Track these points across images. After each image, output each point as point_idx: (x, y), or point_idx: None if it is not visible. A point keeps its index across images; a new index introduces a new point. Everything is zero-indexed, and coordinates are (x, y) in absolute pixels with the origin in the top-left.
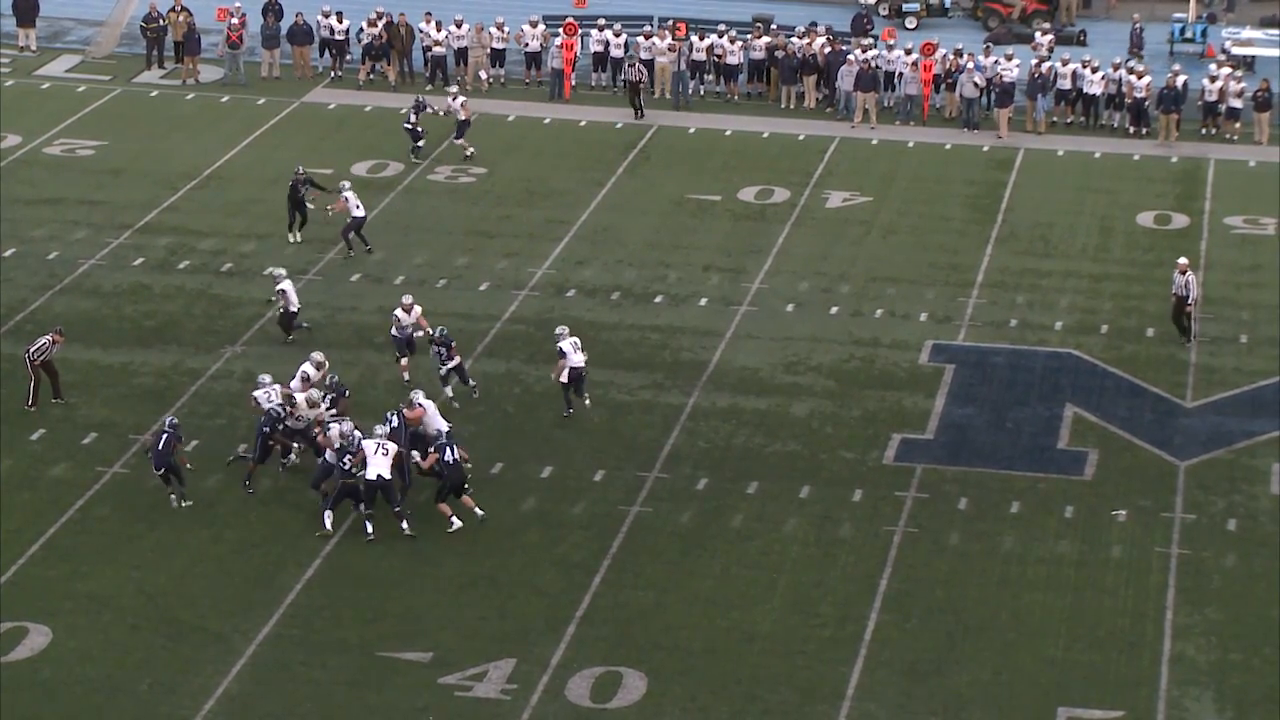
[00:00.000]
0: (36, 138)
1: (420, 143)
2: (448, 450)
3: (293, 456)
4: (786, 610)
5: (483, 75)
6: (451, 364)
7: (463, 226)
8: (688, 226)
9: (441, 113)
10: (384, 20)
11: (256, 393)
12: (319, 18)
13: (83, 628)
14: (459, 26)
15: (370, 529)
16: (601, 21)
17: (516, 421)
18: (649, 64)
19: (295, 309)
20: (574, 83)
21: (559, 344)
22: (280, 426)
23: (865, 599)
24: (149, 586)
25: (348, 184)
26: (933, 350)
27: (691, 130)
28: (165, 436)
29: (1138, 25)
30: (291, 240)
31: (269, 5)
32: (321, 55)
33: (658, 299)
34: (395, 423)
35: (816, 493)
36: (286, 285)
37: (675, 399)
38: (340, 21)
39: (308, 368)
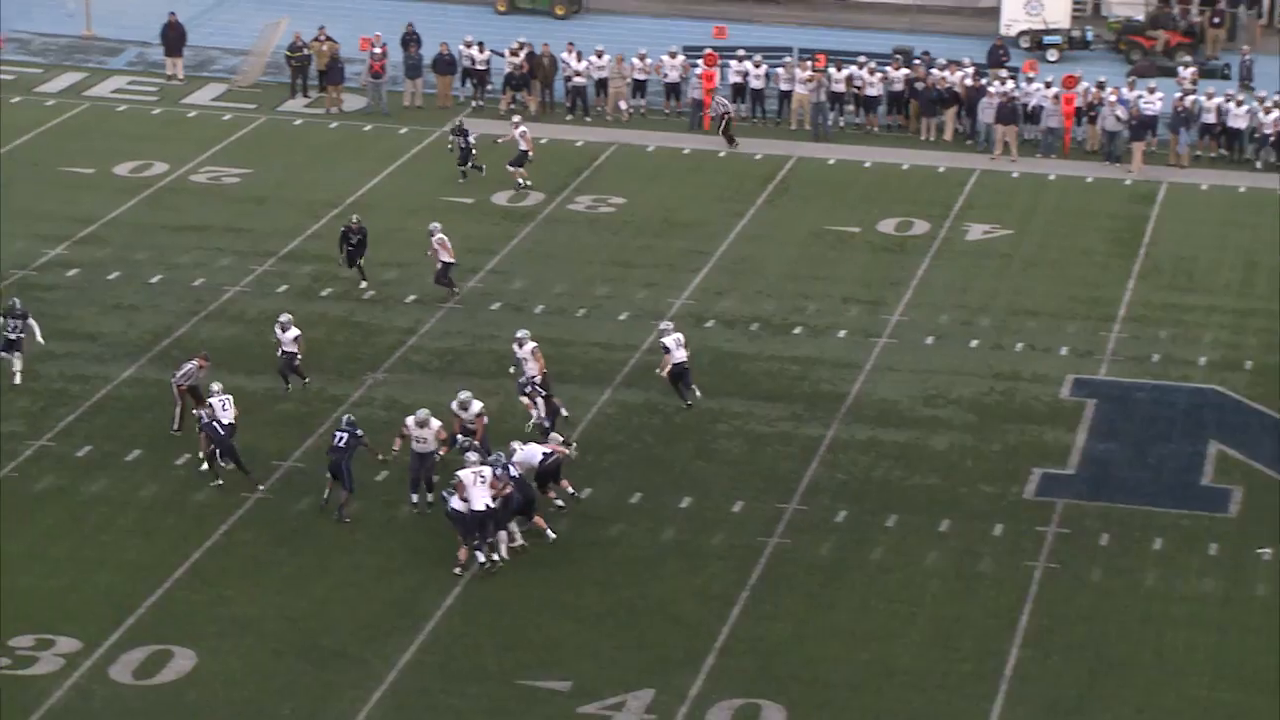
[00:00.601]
0: (183, 165)
1: (468, 165)
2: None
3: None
4: (926, 644)
5: (623, 105)
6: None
7: (602, 256)
8: (827, 258)
9: (497, 139)
10: (525, 50)
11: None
12: (461, 47)
13: (226, 651)
14: (599, 57)
15: (485, 557)
16: (741, 52)
17: (655, 452)
18: (786, 94)
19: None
20: (713, 113)
21: (663, 340)
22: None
23: (1006, 634)
24: (291, 611)
25: (438, 226)
26: (1074, 385)
27: (831, 162)
28: (345, 436)
29: (1247, 58)
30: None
31: (409, 35)
32: (463, 84)
33: (797, 330)
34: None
35: (956, 526)
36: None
37: (814, 430)
38: (481, 51)
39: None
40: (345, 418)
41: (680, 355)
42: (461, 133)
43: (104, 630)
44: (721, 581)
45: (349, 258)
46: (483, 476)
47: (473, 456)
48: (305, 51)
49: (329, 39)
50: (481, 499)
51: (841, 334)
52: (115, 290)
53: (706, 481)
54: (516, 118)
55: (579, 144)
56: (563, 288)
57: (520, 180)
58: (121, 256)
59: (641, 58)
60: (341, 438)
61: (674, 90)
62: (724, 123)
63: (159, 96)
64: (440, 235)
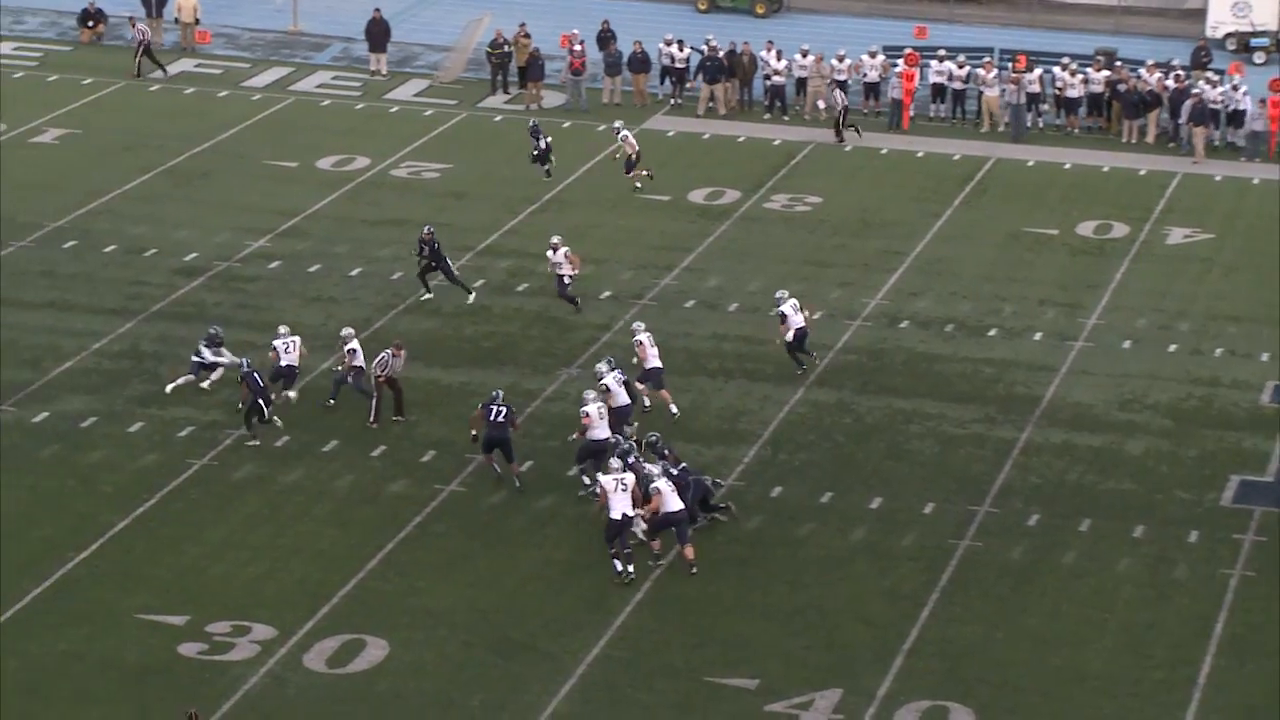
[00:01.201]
0: (385, 160)
1: (547, 166)
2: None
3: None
4: (1118, 650)
5: (821, 105)
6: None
7: (798, 255)
8: (1024, 260)
9: (614, 156)
10: (727, 48)
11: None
12: (660, 45)
13: (418, 642)
14: (804, 56)
15: (622, 568)
16: (942, 52)
17: (847, 451)
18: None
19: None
20: (913, 113)
21: (780, 308)
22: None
23: (1200, 642)
24: (482, 603)
25: (557, 238)
26: (1274, 391)
27: (1030, 163)
28: (505, 410)
29: None
30: (424, 296)
31: (604, 33)
32: (662, 82)
33: (992, 332)
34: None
35: (1151, 532)
36: (355, 345)
37: (1008, 433)
38: (681, 50)
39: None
40: (496, 393)
41: (799, 320)
42: (536, 134)
43: (299, 618)
44: (911, 583)
45: (421, 270)
46: (624, 484)
47: (615, 462)
48: (506, 48)
49: (529, 36)
50: (620, 507)
51: (1037, 336)
52: (315, 282)
53: (898, 482)
54: (618, 123)
55: (776, 142)
56: (757, 286)
57: (638, 183)
58: (322, 249)
59: (841, 58)
60: (501, 412)
61: (873, 90)
62: (841, 115)
63: (362, 92)
64: (564, 249)
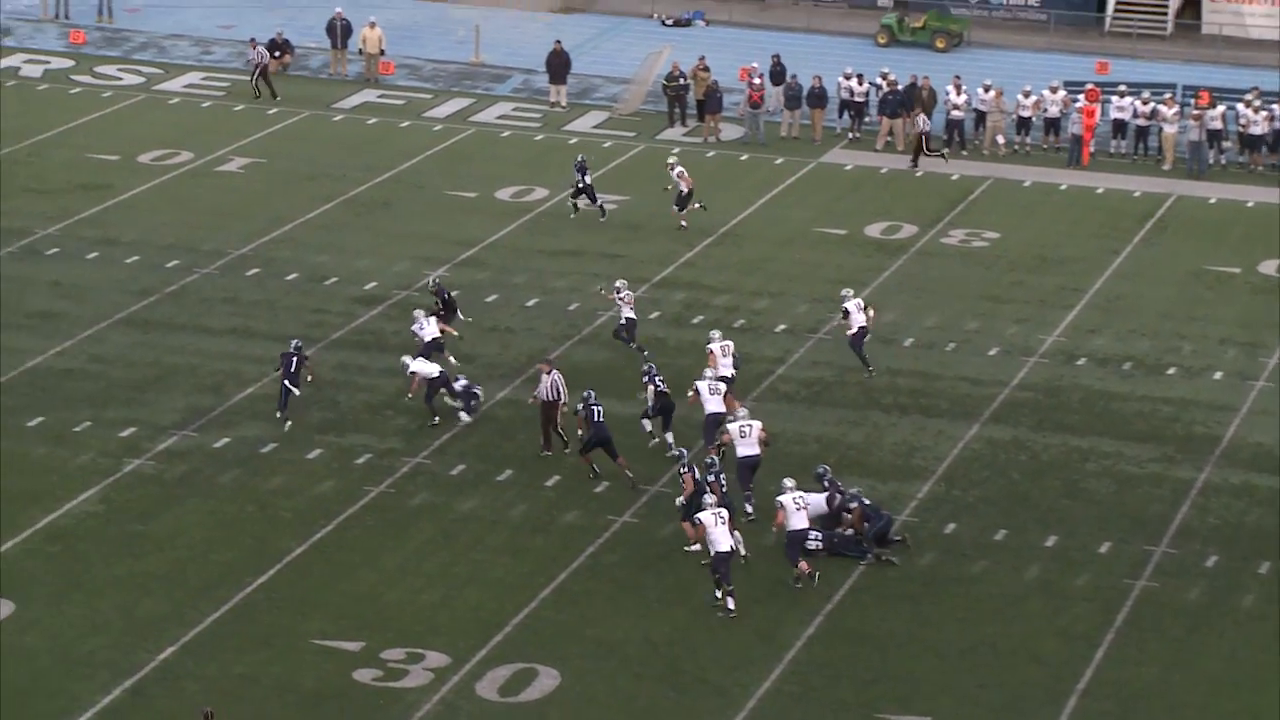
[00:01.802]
0: (563, 191)
1: (580, 200)
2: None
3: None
4: None
5: (1000, 140)
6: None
7: (974, 291)
8: (1204, 298)
9: (666, 187)
10: (906, 82)
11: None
12: (840, 79)
13: (589, 673)
14: (986, 91)
15: (721, 599)
16: (1123, 88)
17: (1022, 489)
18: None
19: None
20: (1093, 149)
21: (845, 304)
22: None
23: None
24: (654, 635)
25: (622, 282)
26: None
27: (1211, 200)
28: (599, 409)
29: None
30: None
31: (775, 68)
32: (840, 116)
33: (1171, 370)
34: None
35: None
36: (418, 366)
37: (1186, 473)
38: (860, 84)
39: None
40: (589, 393)
41: (861, 319)
42: (582, 169)
43: (472, 646)
44: (1085, 622)
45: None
46: (722, 517)
47: (710, 498)
48: (684, 81)
49: (707, 69)
50: (725, 540)
51: (1217, 375)
52: (493, 312)
53: (1073, 520)
54: (673, 158)
55: (954, 177)
56: (933, 321)
57: (683, 224)
58: (500, 279)
59: (1026, 94)
60: (598, 411)
61: (1054, 125)
62: (922, 140)
63: (542, 123)
64: (626, 291)
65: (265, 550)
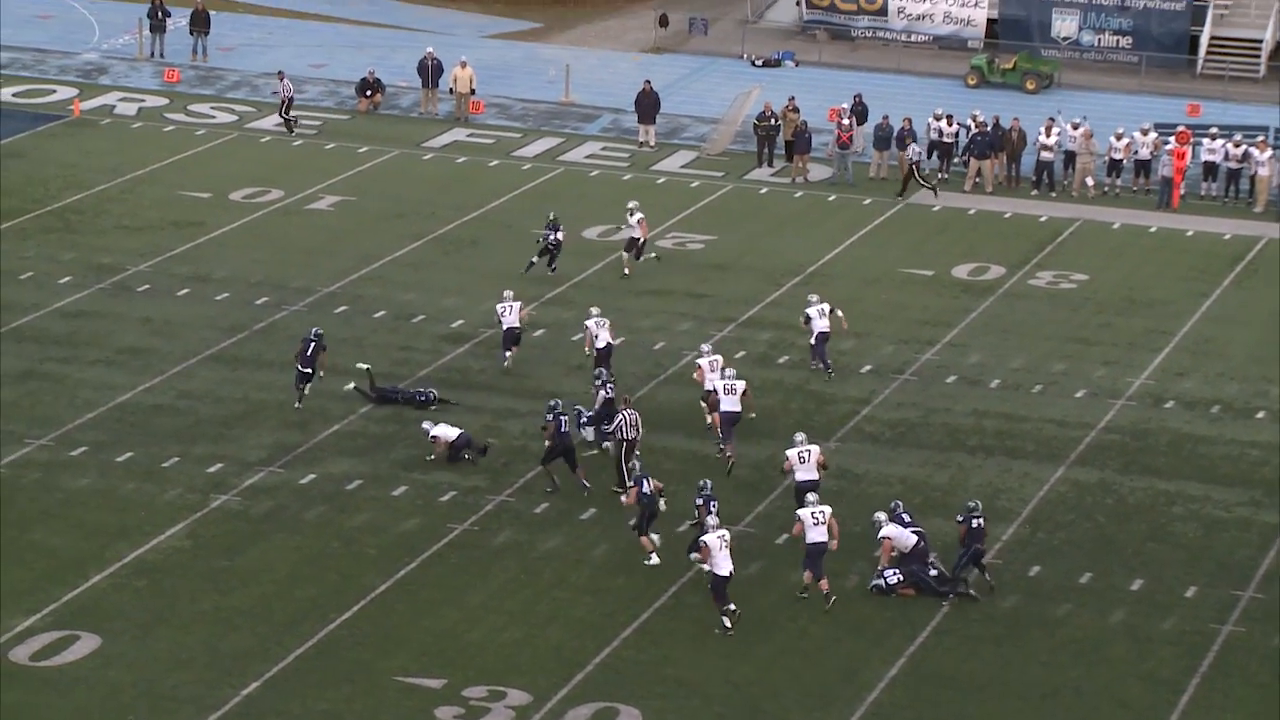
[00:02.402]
0: (651, 230)
1: (537, 259)
2: (645, 482)
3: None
4: None
5: (1089, 182)
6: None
7: (1061, 332)
8: None
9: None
10: (993, 123)
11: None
12: (930, 120)
13: (670, 712)
14: (1075, 129)
15: (727, 623)
16: (1214, 130)
17: (1108, 532)
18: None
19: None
20: (1183, 192)
21: (807, 310)
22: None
23: None
24: (735, 675)
25: (595, 310)
26: None
27: None
28: (561, 419)
29: None
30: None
31: (857, 106)
32: (929, 156)
33: (1260, 414)
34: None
35: None
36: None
37: (1273, 518)
38: (950, 124)
39: None
40: (555, 402)
41: (822, 325)
42: (553, 227)
43: (554, 685)
44: (1171, 667)
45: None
46: (725, 540)
47: (713, 520)
48: (774, 121)
49: (797, 109)
50: (727, 564)
51: None
52: (578, 351)
53: (1159, 564)
54: (633, 203)
55: (1043, 219)
56: (1020, 363)
57: (626, 270)
58: (585, 318)
59: (1119, 136)
60: (564, 421)
61: (1144, 167)
62: (912, 170)
63: (630, 162)
64: (593, 320)
65: (349, 587)
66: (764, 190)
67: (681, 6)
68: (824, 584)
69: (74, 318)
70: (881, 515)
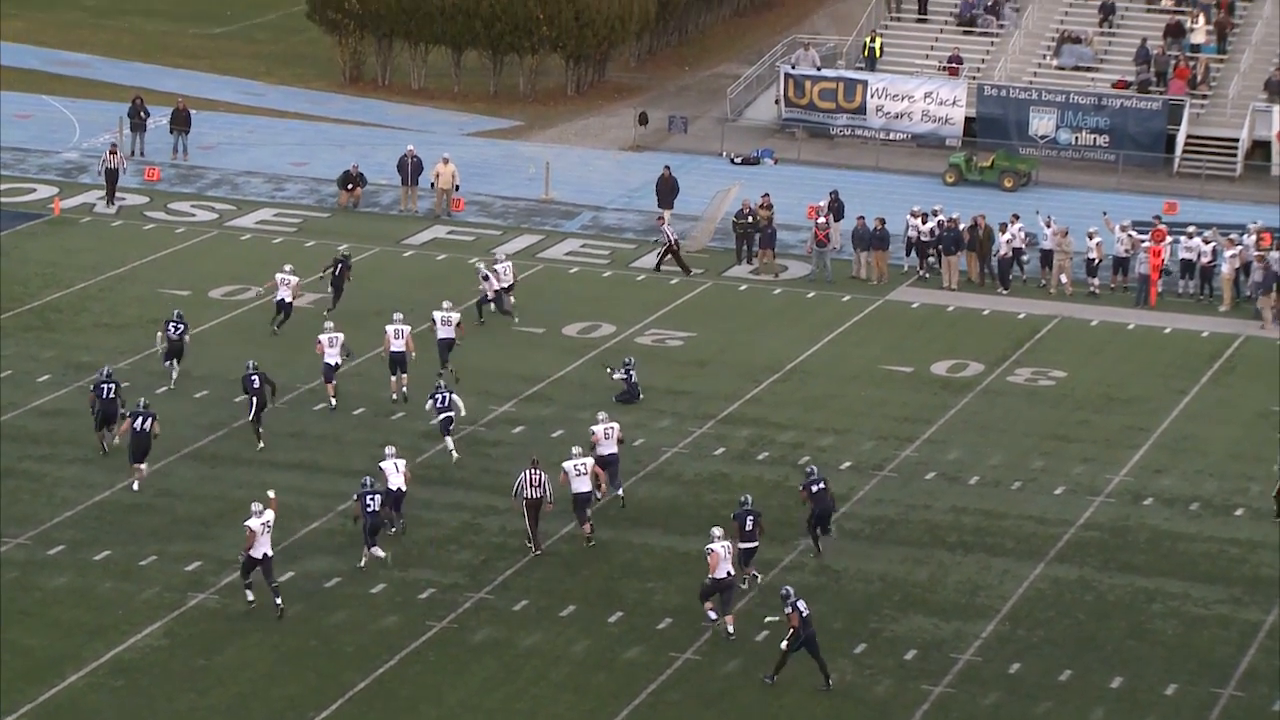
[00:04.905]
0: (630, 327)
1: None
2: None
3: None
4: None
5: (1064, 280)
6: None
7: (1040, 429)
8: (1273, 439)
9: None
10: (969, 223)
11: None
12: (907, 217)
13: None
14: (1047, 225)
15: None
16: (1191, 229)
17: (1088, 629)
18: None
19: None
20: (1160, 289)
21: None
22: None
23: None
24: None
25: (443, 306)
26: None
27: None
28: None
29: None
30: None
31: (832, 204)
32: (907, 254)
33: (1238, 512)
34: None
35: None
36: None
37: (1253, 615)
38: (925, 223)
39: None
40: (366, 480)
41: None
42: (488, 278)
43: None
44: None
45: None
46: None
47: (718, 530)
48: (750, 219)
49: (770, 206)
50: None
51: None
52: (557, 448)
53: (1139, 662)
54: (482, 265)
55: (1021, 316)
56: (999, 459)
57: (481, 320)
58: (565, 415)
59: (1091, 236)
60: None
61: (1121, 265)
62: (667, 251)
63: (610, 259)
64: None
65: (327, 685)
66: (743, 287)
67: (661, 105)
68: (587, 527)
69: (53, 416)
70: (717, 530)
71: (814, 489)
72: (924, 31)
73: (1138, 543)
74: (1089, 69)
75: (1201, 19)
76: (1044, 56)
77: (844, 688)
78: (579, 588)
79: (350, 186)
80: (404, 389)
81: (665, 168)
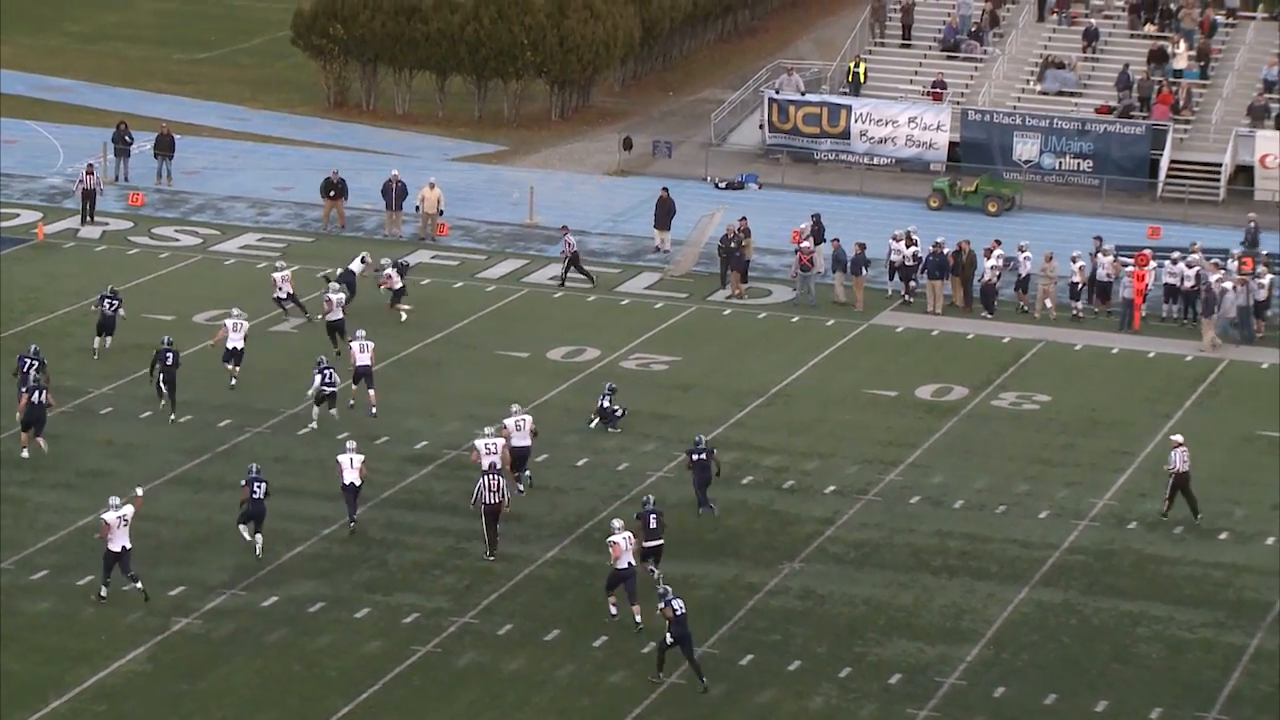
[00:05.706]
0: (615, 351)
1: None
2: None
3: None
4: None
5: (1048, 304)
6: None
7: (1025, 453)
8: (1257, 463)
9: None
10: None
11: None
12: (890, 241)
13: None
14: (1022, 251)
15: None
16: (1175, 254)
17: (1073, 653)
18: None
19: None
20: (1144, 314)
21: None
22: None
23: None
24: None
25: (331, 287)
26: None
27: (1264, 365)
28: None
29: None
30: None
31: (814, 228)
32: (891, 278)
33: (1223, 535)
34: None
35: None
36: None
37: (1237, 639)
38: (908, 246)
39: None
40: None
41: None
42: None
43: None
44: None
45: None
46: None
47: (618, 522)
48: (733, 244)
49: (748, 231)
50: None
51: (1270, 541)
52: (542, 473)
53: (1124, 685)
54: (385, 260)
55: (1005, 340)
56: (983, 483)
57: (404, 316)
58: (550, 439)
59: (1074, 260)
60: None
61: (1105, 289)
62: (570, 263)
63: (595, 283)
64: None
65: (311, 710)
66: (727, 312)
67: (646, 130)
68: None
69: None
70: (617, 522)
71: (694, 458)
72: (908, 56)
73: (1122, 566)
74: (1072, 94)
75: (1184, 45)
76: (1028, 81)
77: (828, 712)
78: (563, 612)
79: (332, 194)
80: (373, 409)
81: (663, 189)
